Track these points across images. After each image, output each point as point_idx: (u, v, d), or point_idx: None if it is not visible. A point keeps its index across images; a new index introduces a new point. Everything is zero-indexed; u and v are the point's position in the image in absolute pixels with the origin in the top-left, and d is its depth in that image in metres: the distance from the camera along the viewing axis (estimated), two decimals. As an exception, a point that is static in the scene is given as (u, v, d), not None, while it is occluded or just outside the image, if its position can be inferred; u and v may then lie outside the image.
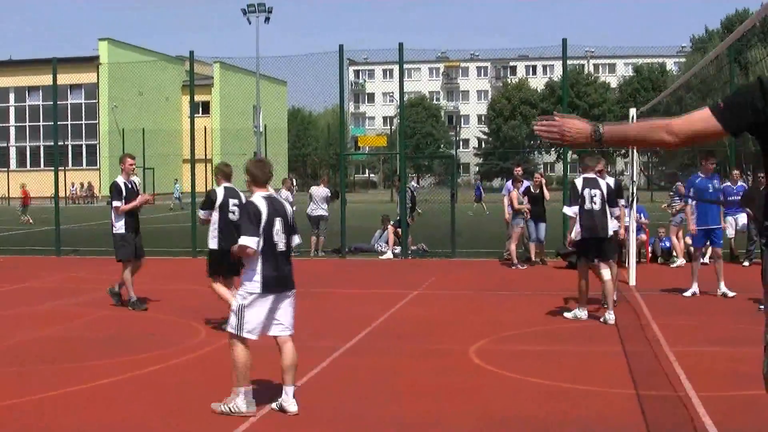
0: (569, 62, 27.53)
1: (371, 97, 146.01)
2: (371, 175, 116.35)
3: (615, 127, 4.38)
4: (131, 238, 15.61)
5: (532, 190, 22.08)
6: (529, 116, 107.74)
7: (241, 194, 13.64)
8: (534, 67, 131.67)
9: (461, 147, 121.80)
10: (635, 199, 18.62)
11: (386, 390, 9.68)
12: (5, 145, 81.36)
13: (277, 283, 8.83)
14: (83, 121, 79.95)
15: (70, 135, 77.03)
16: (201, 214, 13.70)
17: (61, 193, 40.22)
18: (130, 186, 15.45)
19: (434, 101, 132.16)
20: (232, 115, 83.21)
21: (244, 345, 8.79)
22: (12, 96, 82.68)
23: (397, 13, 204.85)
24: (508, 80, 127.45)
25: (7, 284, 18.44)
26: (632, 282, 17.98)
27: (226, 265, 12.87)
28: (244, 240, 8.64)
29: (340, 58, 24.80)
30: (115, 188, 14.60)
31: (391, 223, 24.84)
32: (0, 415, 8.76)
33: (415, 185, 30.57)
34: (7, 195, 69.06)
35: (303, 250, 24.56)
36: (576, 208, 14.14)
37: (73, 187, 72.65)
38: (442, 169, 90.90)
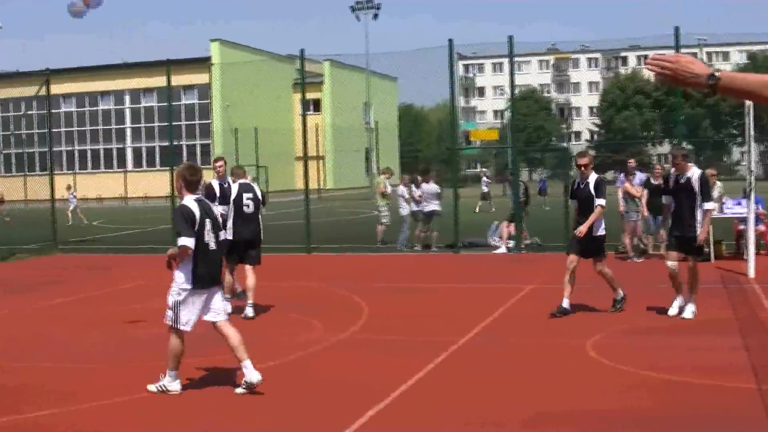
0: (682, 51, 27.03)
1: (481, 91, 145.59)
2: (483, 170, 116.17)
3: (734, 75, 4.14)
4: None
5: (652, 181, 21.57)
6: (642, 106, 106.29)
7: (256, 187, 15.26)
8: (645, 57, 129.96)
9: (573, 140, 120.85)
10: (753, 190, 18.22)
11: (504, 385, 9.63)
12: (122, 146, 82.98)
13: (208, 280, 9.49)
14: (197, 121, 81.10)
15: (184, 135, 78.23)
16: (220, 209, 13.81)
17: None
18: (226, 185, 15.38)
19: (544, 94, 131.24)
20: (343, 112, 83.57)
21: (179, 335, 9.49)
22: (127, 98, 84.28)
23: (505, 5, 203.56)
24: (620, 71, 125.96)
25: (124, 283, 18.76)
26: (751, 274, 17.59)
27: (236, 254, 14.54)
28: (184, 241, 9.27)
29: (450, 53, 24.73)
30: (207, 189, 14.53)
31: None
32: (130, 407, 8.96)
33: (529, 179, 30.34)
34: (124, 195, 70.47)
35: (390, 246, 24.59)
36: (713, 204, 14.12)
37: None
38: (555, 163, 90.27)
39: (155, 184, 61.79)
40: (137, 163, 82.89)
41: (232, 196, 14.78)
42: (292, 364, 10.85)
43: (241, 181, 15.07)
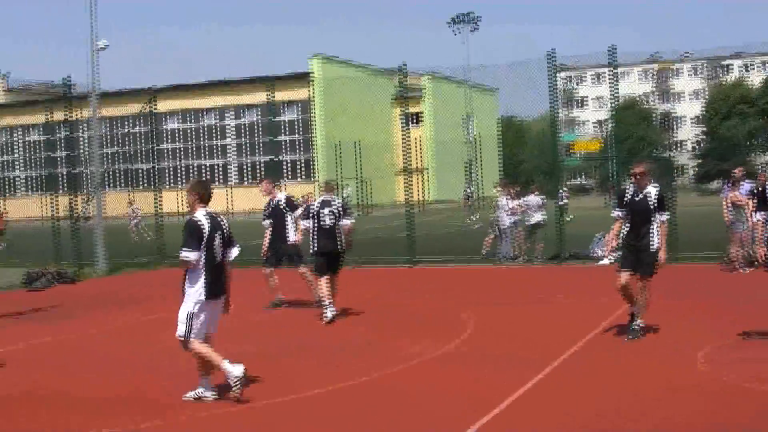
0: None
1: (582, 102, 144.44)
2: (585, 180, 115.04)
3: None
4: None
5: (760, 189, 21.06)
6: (747, 115, 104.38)
7: (336, 202, 15.99)
8: (750, 65, 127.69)
9: (676, 149, 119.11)
10: None
11: (612, 398, 9.53)
12: (225, 161, 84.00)
13: (216, 291, 9.87)
14: (298, 136, 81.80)
15: (286, 150, 78.92)
16: (304, 224, 16.27)
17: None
18: (273, 204, 17.55)
19: (646, 104, 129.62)
20: (444, 125, 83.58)
21: (198, 341, 9.79)
22: (230, 114, 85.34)
23: (606, 15, 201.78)
24: (725, 78, 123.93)
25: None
26: None
27: (325, 265, 15.68)
28: (185, 254, 9.67)
29: (550, 64, 24.62)
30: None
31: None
32: (225, 419, 9.09)
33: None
34: (228, 209, 71.28)
35: (493, 259, 24.48)
36: None
37: (309, 198, 74.08)
38: (658, 173, 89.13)
39: (259, 198, 62.32)
40: (241, 178, 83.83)
41: (314, 211, 15.90)
42: (396, 376, 10.88)
43: (324, 197, 16.12)
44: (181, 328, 9.81)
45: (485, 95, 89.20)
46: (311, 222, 15.93)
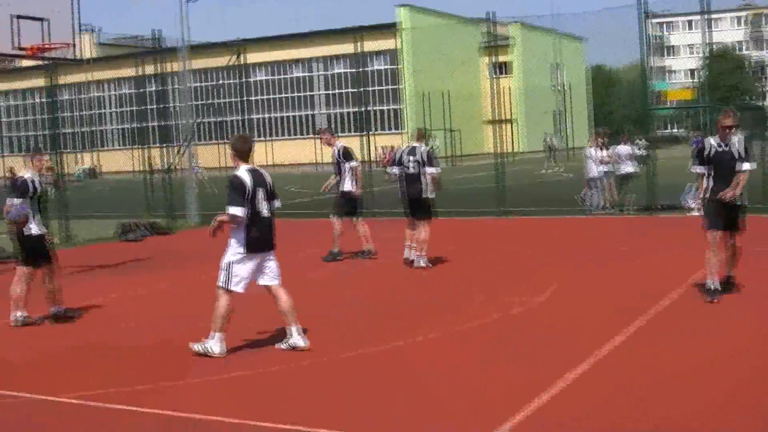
0: None
1: (673, 50, 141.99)
2: (675, 131, 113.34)
3: None
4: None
5: None
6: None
7: (421, 149, 16.18)
8: None
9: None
10: None
11: (707, 350, 9.41)
12: (314, 113, 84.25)
13: (260, 245, 9.98)
14: (386, 87, 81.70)
15: (374, 101, 78.96)
16: (393, 171, 16.56)
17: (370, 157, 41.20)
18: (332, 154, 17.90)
19: (739, 51, 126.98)
20: (532, 74, 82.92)
21: (229, 297, 9.93)
22: (318, 65, 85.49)
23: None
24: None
25: (307, 249, 19.04)
26: None
27: (409, 211, 16.34)
28: (232, 210, 9.76)
29: (640, 11, 24.20)
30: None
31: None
32: (334, 366, 9.17)
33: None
34: (317, 160, 71.56)
35: (583, 209, 24.25)
36: None
37: (379, 151, 74.08)
38: (751, 122, 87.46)
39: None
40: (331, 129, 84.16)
41: (398, 158, 16.42)
42: (489, 326, 10.87)
43: (413, 144, 16.42)
44: (221, 277, 10.04)
45: (574, 44, 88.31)
46: (398, 169, 16.35)
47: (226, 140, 75.94)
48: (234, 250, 9.97)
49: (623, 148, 24.95)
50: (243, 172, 9.98)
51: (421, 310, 12.19)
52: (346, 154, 17.51)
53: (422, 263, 15.91)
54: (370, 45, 68.87)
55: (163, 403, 8.20)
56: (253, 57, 56.93)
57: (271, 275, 10.19)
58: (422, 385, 8.45)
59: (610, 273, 14.75)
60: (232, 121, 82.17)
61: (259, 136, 78.94)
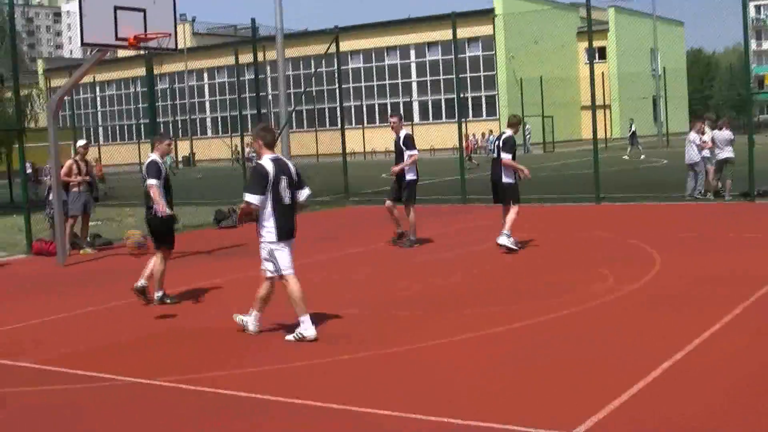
0: None
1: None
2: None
3: None
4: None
5: None
6: None
7: (505, 135, 16.60)
8: None
9: None
10: None
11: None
12: (408, 99, 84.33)
13: (287, 232, 10.31)
14: (481, 73, 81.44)
15: (469, 87, 78.73)
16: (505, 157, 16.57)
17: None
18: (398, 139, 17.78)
19: None
20: (629, 59, 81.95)
21: (294, 280, 10.22)
22: (412, 52, 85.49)
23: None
24: None
25: (421, 231, 19.05)
26: None
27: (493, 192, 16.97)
28: (248, 197, 10.10)
29: (743, -7, 23.74)
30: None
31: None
32: (422, 354, 9.19)
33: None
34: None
35: (681, 195, 23.90)
36: None
37: (473, 137, 74.03)
38: None
39: (442, 136, 62.57)
40: (423, 116, 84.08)
41: (491, 144, 17.41)
42: (584, 313, 10.79)
43: (510, 132, 16.77)
44: (268, 267, 10.36)
45: (671, 27, 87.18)
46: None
47: (319, 128, 76.72)
48: (268, 240, 10.26)
49: (722, 134, 24.53)
50: (266, 161, 10.26)
51: (517, 295, 12.15)
52: (408, 143, 17.66)
53: (507, 242, 16.21)
54: (466, 31, 68.95)
55: (247, 386, 8.28)
56: (347, 44, 57.24)
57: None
58: (511, 371, 8.43)
59: (709, 259, 14.53)
60: (326, 108, 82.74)
61: (353, 123, 79.24)
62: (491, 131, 52.61)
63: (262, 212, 10.18)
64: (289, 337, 10.13)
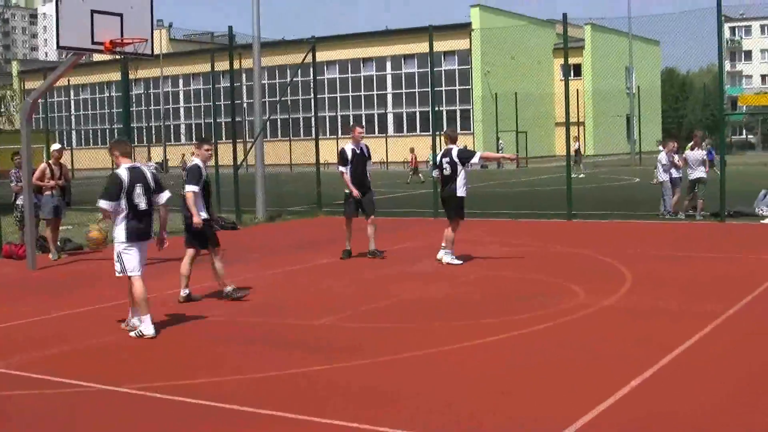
0: None
1: (748, 55, 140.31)
2: (749, 137, 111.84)
3: None
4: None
5: None
6: None
7: (453, 152, 16.74)
8: None
9: None
10: None
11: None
12: (383, 111, 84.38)
13: (138, 235, 11.11)
14: (457, 87, 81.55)
15: (444, 100, 78.85)
16: (435, 173, 17.73)
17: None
18: (358, 151, 17.80)
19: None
20: (604, 76, 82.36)
21: (139, 281, 11.07)
22: (389, 64, 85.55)
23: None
24: None
25: (389, 244, 19.06)
26: None
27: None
28: (101, 203, 11.02)
29: (719, 14, 23.89)
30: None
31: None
32: (402, 365, 9.19)
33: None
34: (385, 159, 71.73)
35: (652, 214, 24.05)
36: None
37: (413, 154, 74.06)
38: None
39: (416, 148, 62.59)
40: (398, 128, 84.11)
41: (437, 162, 17.39)
42: (555, 329, 10.80)
43: (449, 146, 17.01)
44: (117, 267, 11.19)
45: (647, 46, 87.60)
46: (436, 172, 17.64)
47: (294, 137, 76.63)
48: (118, 240, 11.12)
49: (694, 154, 24.70)
50: (122, 169, 11.16)
51: (487, 310, 12.15)
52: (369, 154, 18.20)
53: (448, 259, 16.58)
54: (442, 45, 69.00)
55: (224, 396, 8.26)
56: (324, 55, 57.13)
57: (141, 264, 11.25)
58: (496, 378, 8.44)
59: (681, 276, 14.61)
60: (301, 118, 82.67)
61: (327, 134, 79.22)
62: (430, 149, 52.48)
63: (116, 216, 11.02)
64: (132, 334, 11.04)
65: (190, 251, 13.46)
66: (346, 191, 17.80)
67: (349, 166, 17.64)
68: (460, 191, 16.67)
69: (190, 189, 13.16)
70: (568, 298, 12.84)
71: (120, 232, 11.06)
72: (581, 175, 47.74)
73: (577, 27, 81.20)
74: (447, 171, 16.76)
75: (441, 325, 11.28)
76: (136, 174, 11.16)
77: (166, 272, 15.80)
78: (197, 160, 13.39)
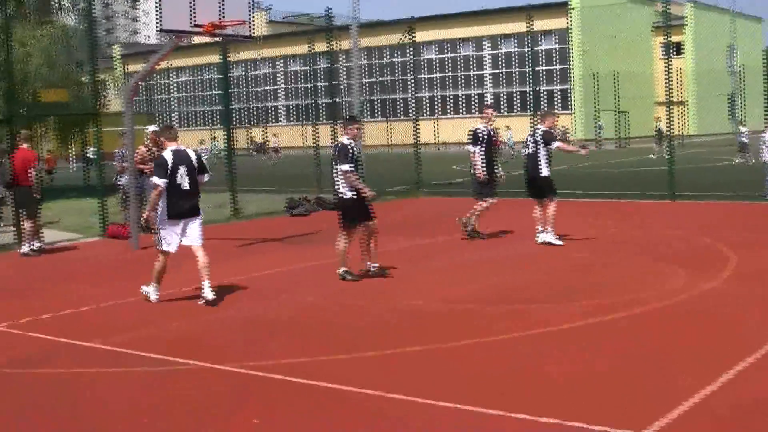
0: None
1: None
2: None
3: None
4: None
5: None
6: None
7: (540, 129, 16.82)
8: None
9: None
10: None
11: None
12: (482, 91, 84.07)
13: (181, 211, 12.01)
14: (555, 66, 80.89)
15: (543, 80, 78.25)
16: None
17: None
18: (487, 133, 17.67)
19: None
20: (706, 55, 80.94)
21: (164, 257, 12.12)
22: (487, 44, 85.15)
23: None
24: None
25: (491, 226, 18.93)
26: None
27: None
28: (154, 180, 12.04)
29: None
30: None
31: None
32: (497, 347, 9.14)
33: None
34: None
35: (756, 195, 23.52)
36: None
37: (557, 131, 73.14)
38: None
39: (515, 128, 62.27)
40: (496, 108, 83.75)
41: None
42: (657, 312, 10.65)
43: (538, 125, 17.13)
44: (155, 239, 12.44)
45: (749, 23, 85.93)
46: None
47: (394, 118, 76.71)
48: (159, 216, 12.06)
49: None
50: (168, 152, 12.08)
51: (587, 292, 12.01)
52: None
53: (549, 239, 16.40)
54: (540, 24, 68.36)
55: (322, 375, 8.29)
56: (422, 35, 57.02)
57: (192, 237, 12.13)
58: (581, 368, 8.35)
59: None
60: (399, 98, 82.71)
61: (426, 114, 79.14)
62: (508, 127, 51.87)
63: (162, 194, 11.93)
64: (142, 288, 12.43)
65: (343, 230, 13.57)
66: (474, 172, 17.59)
67: (479, 147, 17.41)
68: (545, 171, 16.60)
69: (345, 167, 13.31)
70: (669, 280, 12.63)
71: (162, 208, 11.96)
72: (651, 156, 47.06)
73: (678, 4, 79.85)
74: (531, 150, 16.76)
75: (537, 307, 11.19)
76: (180, 156, 12.11)
77: (277, 250, 15.87)
78: (346, 139, 13.52)
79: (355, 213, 13.46)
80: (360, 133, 14.11)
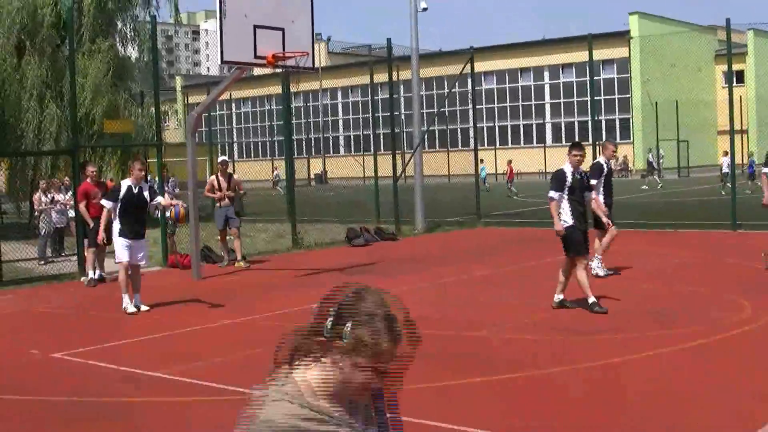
0: None
1: None
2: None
3: None
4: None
5: None
6: None
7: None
8: None
9: None
10: None
11: None
12: (541, 121, 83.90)
13: (132, 233, 14.26)
14: (616, 96, 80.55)
15: (603, 109, 77.96)
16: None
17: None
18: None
19: None
20: (767, 82, 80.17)
21: (124, 267, 14.24)
22: (546, 74, 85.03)
23: None
24: None
25: (548, 255, 18.84)
26: None
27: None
28: (104, 202, 14.72)
29: None
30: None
31: None
32: (569, 377, 9.10)
33: None
34: (544, 170, 71.11)
35: None
36: None
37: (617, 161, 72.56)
38: None
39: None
40: (556, 138, 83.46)
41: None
42: (720, 343, 10.56)
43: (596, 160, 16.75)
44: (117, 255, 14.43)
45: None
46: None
47: (451, 148, 76.74)
48: (115, 235, 14.34)
49: None
50: (125, 183, 14.59)
51: (652, 323, 11.93)
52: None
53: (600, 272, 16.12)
54: (600, 53, 68.20)
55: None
56: (481, 65, 57.13)
57: (139, 256, 14.51)
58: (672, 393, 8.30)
59: None
60: (459, 128, 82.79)
61: (485, 144, 79.14)
62: (624, 156, 51.35)
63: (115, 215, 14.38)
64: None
65: (573, 260, 12.90)
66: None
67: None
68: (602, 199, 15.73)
69: (550, 194, 12.92)
70: (734, 312, 12.51)
71: (117, 230, 14.25)
72: (659, 186, 46.84)
73: (740, 32, 79.25)
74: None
75: (605, 338, 11.14)
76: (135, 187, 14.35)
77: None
78: (566, 165, 12.99)
79: (577, 240, 12.82)
80: (580, 160, 13.05)
